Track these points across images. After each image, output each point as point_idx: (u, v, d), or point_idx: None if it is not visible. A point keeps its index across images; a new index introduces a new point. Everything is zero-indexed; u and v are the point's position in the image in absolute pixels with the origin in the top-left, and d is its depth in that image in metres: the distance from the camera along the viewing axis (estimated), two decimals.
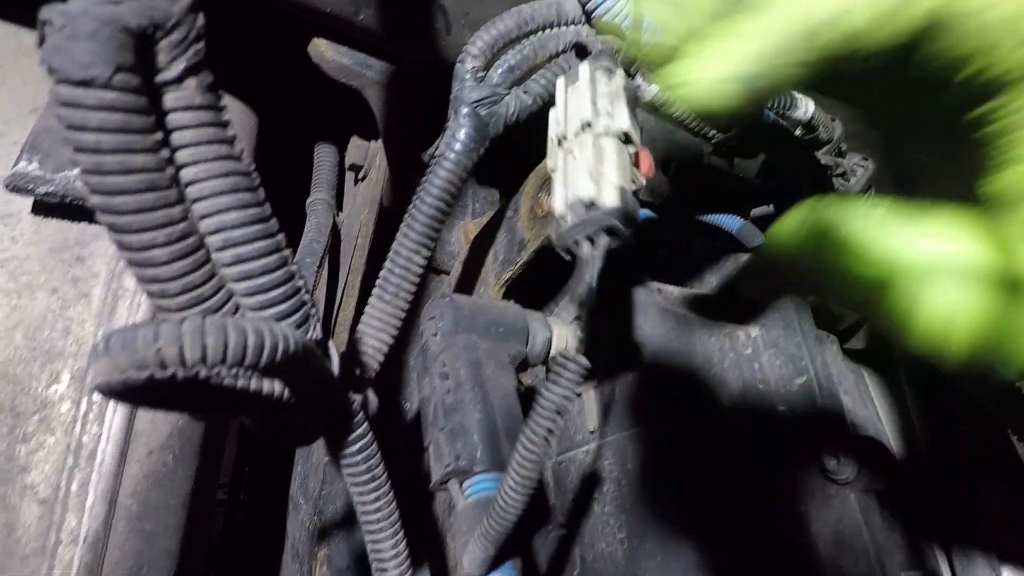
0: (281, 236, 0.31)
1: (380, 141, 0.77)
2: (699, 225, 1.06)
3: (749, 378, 0.52)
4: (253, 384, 0.30)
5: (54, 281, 0.52)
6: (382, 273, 0.47)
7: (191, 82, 0.28)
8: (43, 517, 0.47)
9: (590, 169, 0.36)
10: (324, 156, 0.84)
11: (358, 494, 0.38)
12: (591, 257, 0.33)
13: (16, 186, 0.49)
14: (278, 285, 0.31)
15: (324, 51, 0.64)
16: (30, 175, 0.50)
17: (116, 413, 0.51)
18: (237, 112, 0.72)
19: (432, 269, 0.82)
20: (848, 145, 0.67)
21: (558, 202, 0.36)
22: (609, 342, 0.52)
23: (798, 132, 0.60)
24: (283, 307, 0.31)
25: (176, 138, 0.28)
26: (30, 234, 0.52)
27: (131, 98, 0.25)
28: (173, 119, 0.28)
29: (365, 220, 0.76)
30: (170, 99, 0.27)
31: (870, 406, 0.59)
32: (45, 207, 0.52)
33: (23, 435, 0.48)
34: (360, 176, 0.79)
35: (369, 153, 0.77)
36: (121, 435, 0.51)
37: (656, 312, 0.54)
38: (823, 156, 0.63)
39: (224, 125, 0.29)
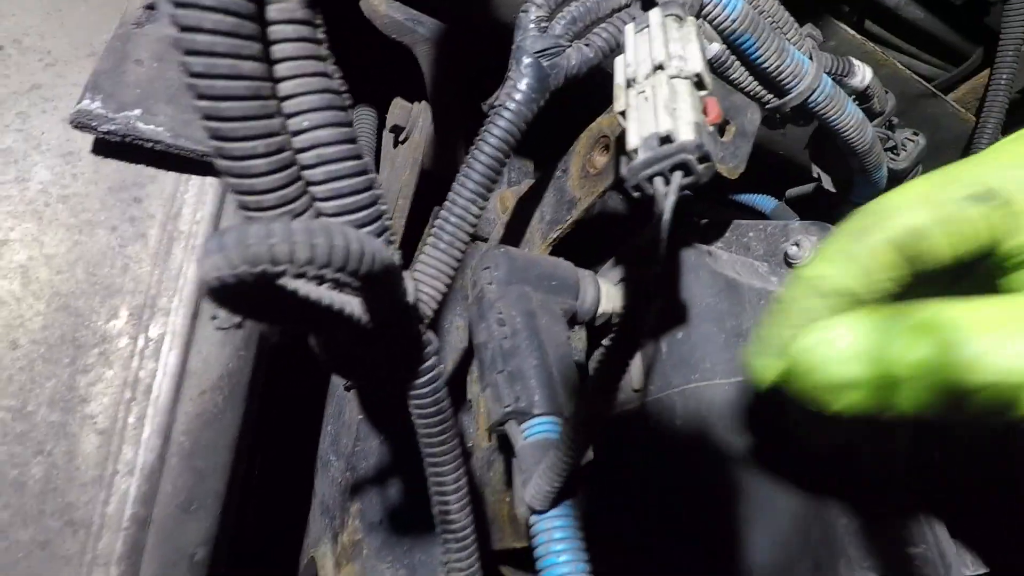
0: (369, 159, 0.31)
1: (423, 103, 0.77)
2: (733, 204, 1.05)
3: None
4: (337, 302, 0.31)
5: (113, 220, 0.52)
6: (437, 221, 0.48)
7: None
8: (101, 447, 0.48)
9: (666, 106, 0.35)
10: (364, 118, 0.84)
11: (424, 426, 0.39)
12: (664, 194, 0.33)
13: (80, 123, 0.50)
14: (365, 206, 0.31)
15: (377, 5, 0.64)
16: (93, 113, 0.50)
17: (171, 351, 0.52)
18: None
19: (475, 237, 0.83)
20: (899, 120, 0.66)
21: (632, 138, 0.36)
22: (658, 298, 0.53)
23: (854, 101, 0.60)
24: (370, 229, 0.32)
25: (277, 51, 0.28)
26: (90, 173, 0.53)
27: (243, 2, 0.26)
28: (275, 31, 0.28)
29: (406, 181, 0.76)
30: (274, 10, 0.28)
31: None
32: (105, 147, 0.53)
33: (83, 367, 0.49)
34: (402, 138, 0.79)
35: (412, 115, 0.78)
36: (176, 372, 0.51)
37: (707, 274, 0.54)
38: (875, 127, 0.63)
39: (321, 42, 0.29)
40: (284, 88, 0.29)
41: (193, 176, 0.56)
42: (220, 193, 0.58)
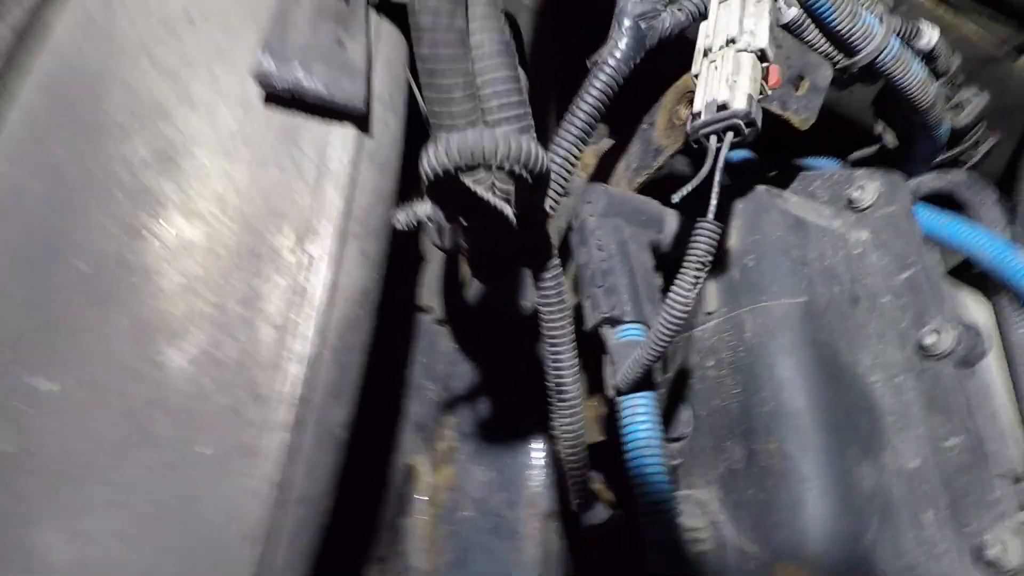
0: (527, 95, 0.41)
1: (521, 70, 0.86)
2: (799, 168, 1.11)
3: (857, 271, 0.60)
4: (499, 203, 0.41)
5: (280, 158, 0.64)
6: (548, 154, 0.57)
7: None
8: (276, 339, 0.61)
9: (728, 78, 0.45)
10: None
11: (549, 315, 0.49)
12: (715, 147, 0.43)
13: (259, 79, 0.62)
14: (526, 127, 0.41)
15: None
16: (268, 71, 0.62)
17: (325, 267, 0.63)
18: (394, 37, 0.83)
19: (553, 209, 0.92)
20: (963, 79, 0.71)
21: (698, 101, 0.46)
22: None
23: (920, 62, 0.66)
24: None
25: (472, 12, 0.38)
26: (262, 120, 0.65)
27: None
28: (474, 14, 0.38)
29: None
30: None
31: (970, 309, 0.65)
32: (273, 98, 0.65)
33: (263, 274, 0.61)
34: None
35: None
36: (328, 284, 0.63)
37: (777, 212, 0.62)
38: (939, 86, 0.68)
39: (499, 5, 0.39)
40: (473, 41, 0.39)
41: (338, 124, 0.68)
42: (358, 140, 0.69)
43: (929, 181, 0.75)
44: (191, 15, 0.67)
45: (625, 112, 0.74)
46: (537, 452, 0.77)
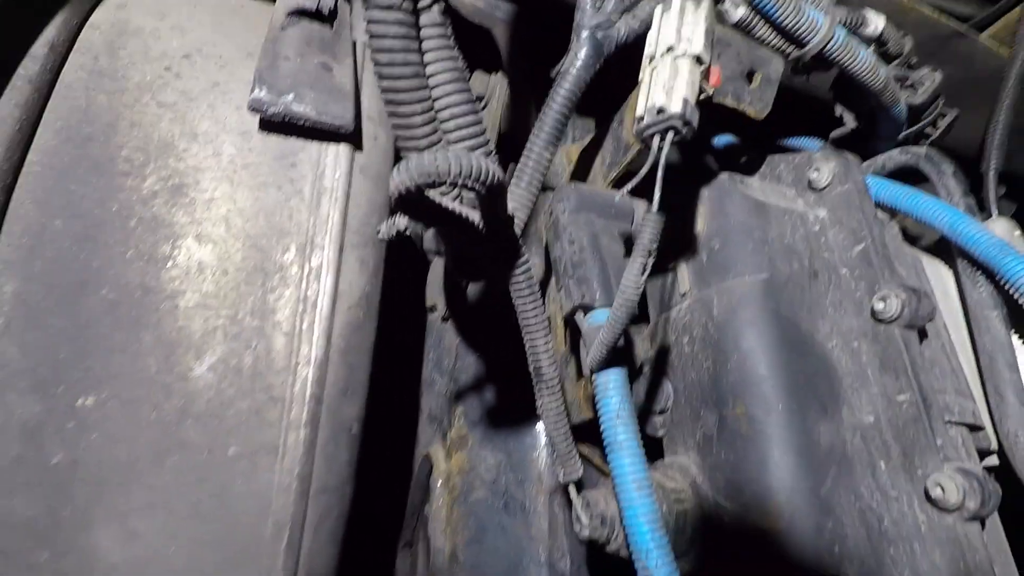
0: (482, 113, 0.46)
1: (500, 74, 0.91)
2: (781, 148, 1.15)
3: (816, 247, 0.65)
4: (464, 212, 0.47)
5: (279, 180, 0.70)
6: (519, 164, 0.62)
7: (435, 8, 0.43)
8: (287, 344, 0.67)
9: (665, 84, 0.50)
10: None
11: (522, 306, 0.54)
12: (657, 148, 0.48)
13: (254, 108, 0.67)
14: (483, 144, 0.46)
15: None
16: (262, 99, 0.68)
17: (327, 276, 0.69)
18: None
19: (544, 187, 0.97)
20: (920, 55, 0.75)
21: (640, 106, 0.51)
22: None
23: (870, 48, 0.70)
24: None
25: (425, 45, 0.44)
26: (260, 146, 0.71)
27: (410, 16, 0.41)
28: (425, 32, 0.43)
29: None
30: (424, 19, 0.43)
31: (924, 281, 0.69)
32: (269, 125, 0.70)
33: (270, 287, 0.67)
34: (481, 107, 0.94)
35: (489, 85, 0.92)
36: (331, 292, 0.69)
37: (739, 197, 0.66)
38: (893, 69, 0.72)
39: (450, 36, 0.45)
40: (430, 70, 0.44)
41: (331, 144, 0.73)
42: (350, 156, 0.74)
43: (894, 157, 0.79)
44: (189, 53, 0.73)
45: (607, 110, 0.79)
46: (542, 434, 0.83)
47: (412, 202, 0.41)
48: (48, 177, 0.61)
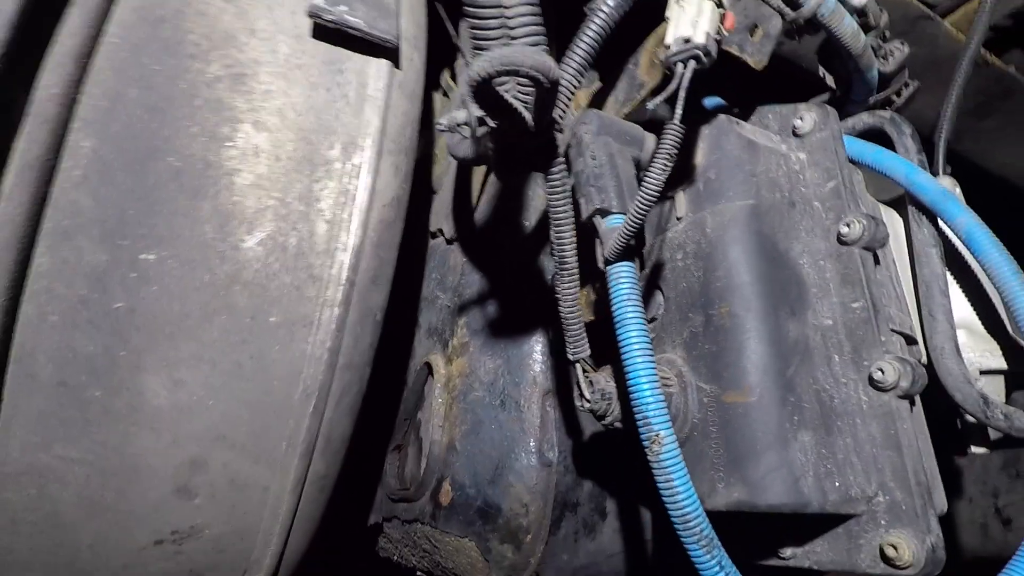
0: (540, 17, 0.55)
1: None
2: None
3: (795, 182, 0.76)
4: (521, 107, 0.55)
5: (327, 83, 0.77)
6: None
7: None
8: (328, 231, 0.74)
9: (692, 19, 0.59)
10: (463, 28, 1.07)
11: (554, 200, 0.63)
12: (681, 72, 0.57)
13: (312, 13, 0.74)
14: (545, 46, 0.55)
15: None
16: (320, 6, 0.74)
17: (366, 174, 0.76)
18: None
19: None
20: (892, 31, 0.87)
21: (668, 36, 0.60)
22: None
23: (854, 16, 0.81)
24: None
25: None
26: (312, 49, 0.77)
27: None
28: None
29: None
30: None
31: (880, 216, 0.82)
32: (321, 31, 0.77)
33: (316, 178, 0.74)
34: None
35: None
36: (369, 188, 0.77)
37: (734, 135, 0.77)
38: (870, 38, 0.83)
39: None
40: None
41: (373, 58, 0.80)
42: (390, 71, 0.81)
43: (864, 119, 0.91)
44: None
45: (612, 62, 0.88)
46: (538, 342, 0.92)
47: (484, 91, 0.50)
48: (125, 49, 0.66)
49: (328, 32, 0.76)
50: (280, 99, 0.73)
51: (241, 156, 0.70)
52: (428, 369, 1.03)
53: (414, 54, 0.87)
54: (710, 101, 1.13)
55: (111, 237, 0.64)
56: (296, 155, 0.73)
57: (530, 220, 0.99)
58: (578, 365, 0.69)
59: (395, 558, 1.15)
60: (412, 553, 1.07)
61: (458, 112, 0.61)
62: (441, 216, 1.11)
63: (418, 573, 1.09)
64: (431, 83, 1.21)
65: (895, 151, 0.85)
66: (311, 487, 0.81)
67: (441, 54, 1.17)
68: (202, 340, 0.69)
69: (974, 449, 0.76)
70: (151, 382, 0.68)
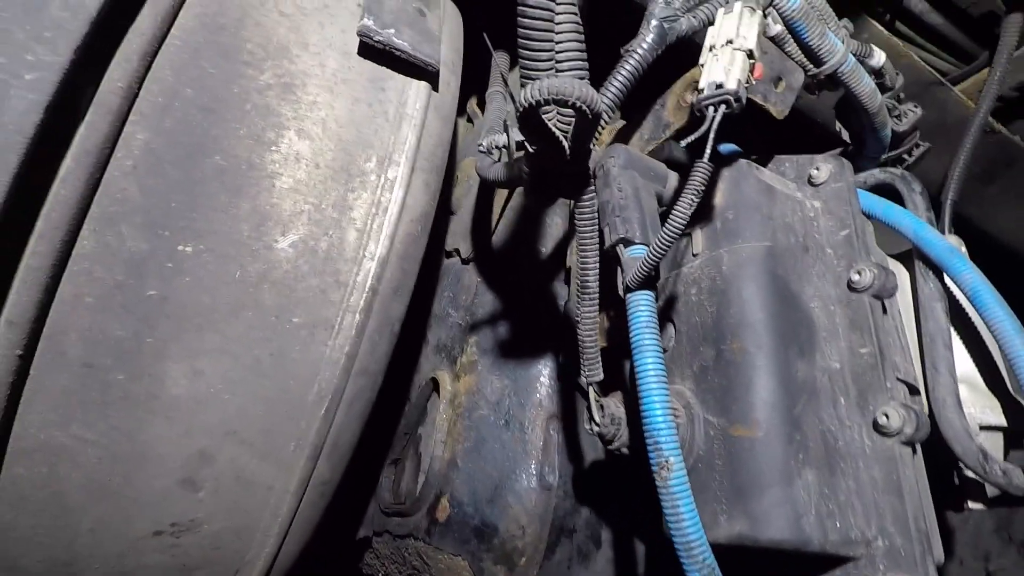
0: (585, 54, 0.59)
1: None
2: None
3: (809, 228, 0.79)
4: (561, 136, 0.58)
5: (369, 99, 0.80)
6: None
7: None
8: (357, 239, 0.77)
9: (725, 67, 0.63)
10: (500, 58, 1.11)
11: (582, 226, 0.66)
12: (712, 115, 0.61)
13: (362, 33, 0.78)
14: (587, 79, 0.58)
15: None
16: (370, 27, 0.78)
17: (398, 188, 0.79)
18: (455, 14, 0.99)
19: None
20: (906, 94, 0.91)
21: (703, 81, 0.64)
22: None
23: (871, 77, 0.85)
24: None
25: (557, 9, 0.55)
26: (357, 66, 0.81)
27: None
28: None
29: None
30: None
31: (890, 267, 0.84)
32: (367, 50, 0.81)
33: (351, 187, 0.77)
34: None
35: None
36: (400, 202, 0.79)
37: (753, 179, 0.80)
38: (885, 98, 0.88)
39: (576, 5, 0.57)
40: (557, 19, 0.56)
41: (414, 79, 0.84)
42: (428, 93, 0.85)
43: (875, 175, 0.95)
44: None
45: (637, 102, 0.93)
46: (547, 366, 0.94)
47: (532, 117, 0.53)
48: (185, 52, 0.69)
49: (374, 52, 0.80)
50: (324, 110, 0.77)
51: (283, 160, 0.73)
52: (434, 385, 1.05)
53: (451, 79, 0.91)
54: (725, 147, 1.18)
55: (153, 227, 0.66)
56: (335, 164, 0.76)
57: (547, 246, 1.02)
58: (591, 388, 0.71)
59: (380, 575, 1.15)
60: (399, 570, 1.06)
61: (499, 136, 0.65)
62: (458, 236, 1.14)
63: None
64: (459, 109, 1.27)
65: (905, 207, 0.88)
66: (313, 491, 0.82)
67: (469, 83, 1.22)
68: (226, 333, 0.71)
69: (971, 504, 0.77)
70: (173, 370, 0.69)
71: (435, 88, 0.87)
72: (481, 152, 0.62)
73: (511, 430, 0.92)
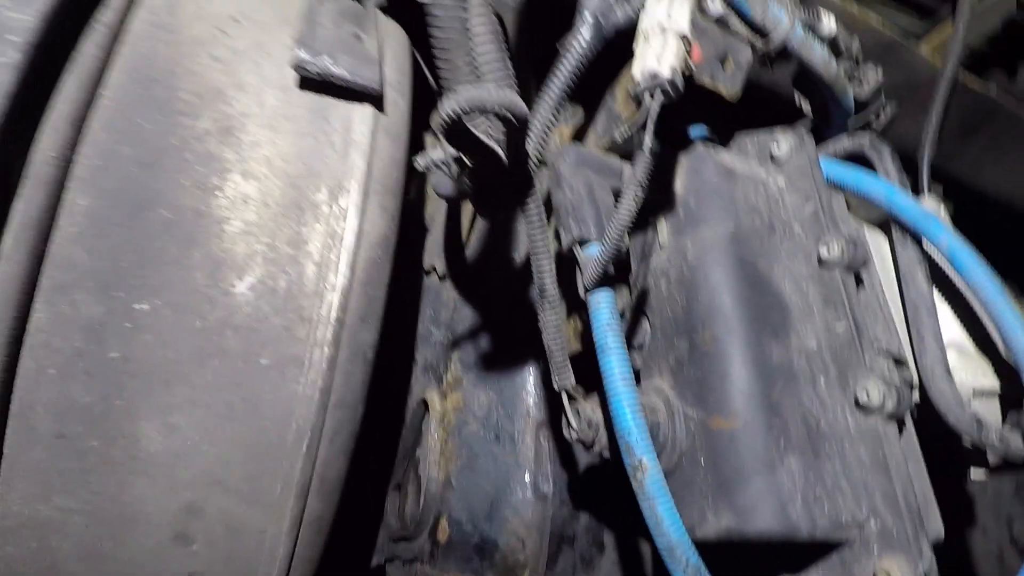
0: (511, 66, 0.57)
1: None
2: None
3: (774, 207, 0.77)
4: (493, 144, 0.57)
5: (313, 131, 0.80)
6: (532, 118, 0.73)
7: None
8: (316, 272, 0.76)
9: (657, 54, 0.61)
10: None
11: (531, 231, 0.65)
12: (647, 105, 0.59)
13: (297, 66, 0.77)
14: (512, 86, 0.57)
15: None
16: (304, 59, 0.77)
17: (353, 216, 0.79)
18: (398, 34, 0.98)
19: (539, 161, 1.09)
20: (868, 57, 0.88)
21: (636, 71, 0.62)
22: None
23: (824, 44, 0.83)
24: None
25: (468, 6, 0.54)
26: (297, 99, 0.80)
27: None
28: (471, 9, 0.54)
29: None
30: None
31: (862, 238, 0.82)
32: (306, 82, 0.80)
33: (304, 221, 0.76)
34: None
35: None
36: (356, 230, 0.79)
37: (712, 163, 0.78)
38: (843, 64, 0.85)
39: (488, 3, 0.55)
40: (471, 26, 0.55)
41: (358, 104, 0.83)
42: (374, 116, 0.84)
43: (842, 143, 0.92)
44: (235, 16, 0.82)
45: (596, 96, 0.91)
46: (530, 375, 0.93)
47: (455, 128, 0.52)
48: (117, 110, 0.69)
49: (313, 83, 0.80)
50: (267, 148, 0.76)
51: (231, 204, 0.73)
52: (424, 406, 1.04)
53: (398, 98, 0.90)
54: (696, 131, 1.15)
55: (106, 289, 0.66)
56: (284, 201, 0.76)
57: (518, 254, 1.00)
58: (564, 394, 0.69)
59: None
60: None
61: (434, 152, 0.63)
62: (433, 253, 1.13)
63: None
64: (423, 125, 1.25)
65: (876, 174, 0.86)
66: (307, 529, 0.81)
67: (432, 97, 1.21)
68: (195, 384, 0.70)
69: (974, 473, 0.75)
70: (146, 428, 0.69)
71: (381, 110, 0.86)
72: (419, 168, 0.61)
73: (502, 443, 0.91)
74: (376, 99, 0.84)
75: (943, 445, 0.77)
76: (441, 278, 1.11)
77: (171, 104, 0.72)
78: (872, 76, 0.88)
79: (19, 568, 0.68)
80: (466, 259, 1.05)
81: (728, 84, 0.77)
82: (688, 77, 0.67)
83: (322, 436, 0.78)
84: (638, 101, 0.61)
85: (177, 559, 0.75)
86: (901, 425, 0.66)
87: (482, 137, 0.56)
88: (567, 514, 0.87)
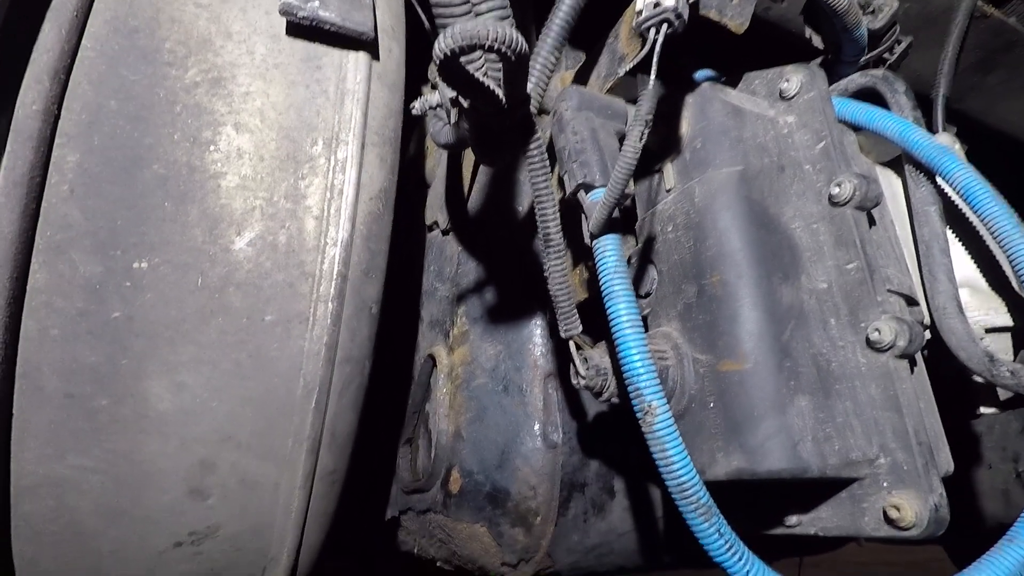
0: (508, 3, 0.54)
1: None
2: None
3: (784, 147, 0.74)
4: (491, 84, 0.55)
5: (306, 80, 0.77)
6: (533, 56, 0.70)
7: None
8: (316, 227, 0.75)
9: None
10: None
11: (535, 177, 0.63)
12: (653, 37, 0.56)
13: (285, 11, 0.74)
14: (508, 19, 0.54)
15: None
16: (292, 4, 0.74)
17: (351, 168, 0.77)
18: None
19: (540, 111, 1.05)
20: None
21: (639, 2, 0.59)
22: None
23: None
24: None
25: None
26: (288, 48, 0.77)
27: None
28: None
29: None
30: None
31: (874, 176, 0.80)
32: (296, 29, 0.77)
33: (301, 175, 0.74)
34: None
35: None
36: (355, 182, 0.77)
37: (719, 103, 0.75)
38: None
39: None
40: None
41: (351, 51, 0.80)
42: (368, 63, 0.81)
43: (855, 80, 0.89)
44: None
45: (595, 38, 0.87)
46: (537, 326, 0.92)
47: (451, 67, 0.49)
48: (101, 62, 0.67)
49: (303, 29, 0.76)
50: (259, 100, 0.74)
51: (225, 159, 0.71)
52: (432, 361, 1.04)
53: (392, 45, 0.86)
54: (701, 74, 1.12)
55: (103, 248, 0.65)
56: (280, 154, 0.74)
57: (522, 204, 0.99)
58: (571, 343, 0.69)
59: (416, 550, 1.17)
60: (429, 544, 1.08)
61: (431, 95, 0.61)
62: (435, 208, 1.11)
63: (438, 563, 1.11)
64: (420, 77, 1.21)
65: (889, 110, 0.83)
66: (321, 482, 0.82)
67: (428, 48, 1.17)
68: (200, 343, 0.70)
69: (983, 409, 0.75)
70: (154, 387, 0.69)
71: (376, 57, 0.83)
72: (416, 114, 0.59)
73: (510, 394, 0.91)
74: (370, 45, 0.81)
75: (954, 383, 0.77)
76: (444, 233, 1.09)
77: (157, 54, 0.70)
78: (887, 7, 0.84)
79: (39, 526, 0.69)
80: (468, 212, 1.03)
81: (736, 17, 0.74)
82: (694, 5, 0.64)
83: (331, 391, 0.78)
84: (643, 38, 0.58)
85: (194, 513, 0.76)
86: (913, 363, 0.65)
87: (479, 75, 0.53)
88: (577, 461, 0.88)
